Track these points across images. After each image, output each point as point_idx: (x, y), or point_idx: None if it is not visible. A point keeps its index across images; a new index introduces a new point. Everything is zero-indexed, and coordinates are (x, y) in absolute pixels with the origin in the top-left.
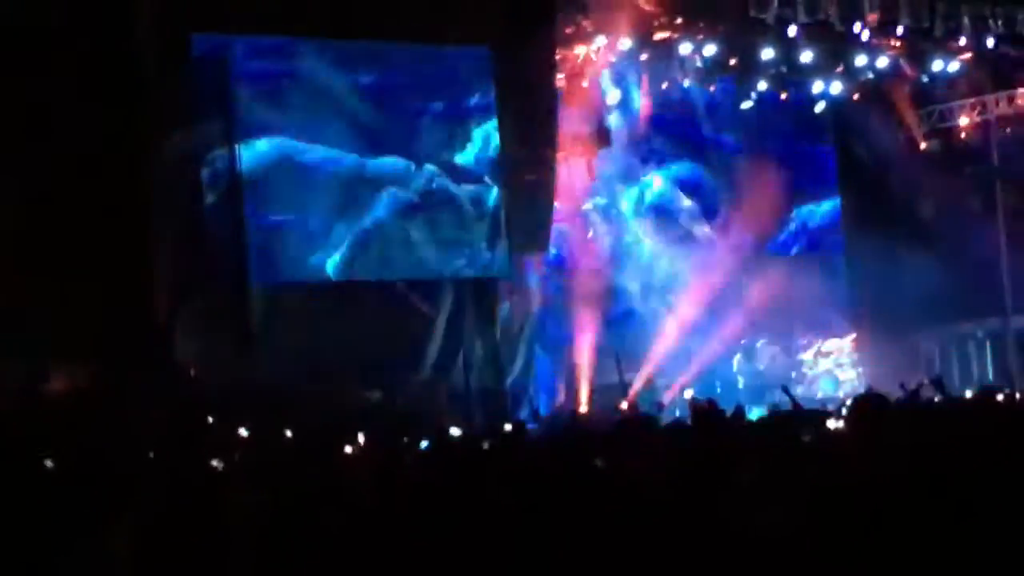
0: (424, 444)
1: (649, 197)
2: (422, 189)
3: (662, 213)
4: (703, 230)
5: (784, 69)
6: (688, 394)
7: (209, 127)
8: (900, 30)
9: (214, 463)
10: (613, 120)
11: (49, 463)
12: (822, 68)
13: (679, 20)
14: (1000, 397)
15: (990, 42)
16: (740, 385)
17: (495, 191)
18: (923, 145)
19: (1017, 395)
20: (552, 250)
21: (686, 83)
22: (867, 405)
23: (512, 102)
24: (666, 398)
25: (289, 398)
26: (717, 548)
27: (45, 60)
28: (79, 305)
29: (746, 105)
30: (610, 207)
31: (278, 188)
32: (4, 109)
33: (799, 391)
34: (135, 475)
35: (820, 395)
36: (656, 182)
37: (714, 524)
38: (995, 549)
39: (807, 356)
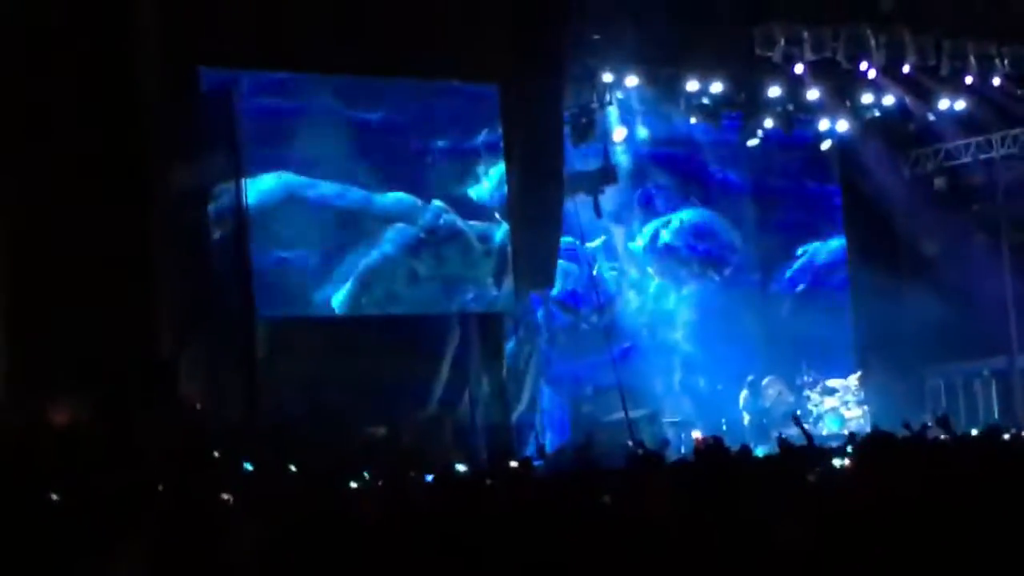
0: (429, 479)
1: (664, 237)
2: (429, 225)
3: (674, 254)
4: (712, 275)
5: (790, 107)
6: (695, 434)
7: (215, 161)
8: (906, 68)
9: (220, 496)
10: (620, 157)
11: (54, 496)
12: (828, 106)
13: (685, 58)
14: (1007, 436)
15: (996, 81)
16: (745, 422)
17: (503, 227)
18: (929, 184)
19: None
20: (558, 286)
21: (692, 120)
22: (875, 444)
23: (519, 138)
24: (671, 435)
25: (294, 433)
26: None
27: (51, 95)
28: (84, 338)
29: (752, 143)
30: (616, 244)
31: (284, 223)
32: (9, 139)
33: (806, 428)
34: (140, 507)
35: (825, 432)
36: (671, 224)
37: (722, 560)
38: None
39: (813, 394)
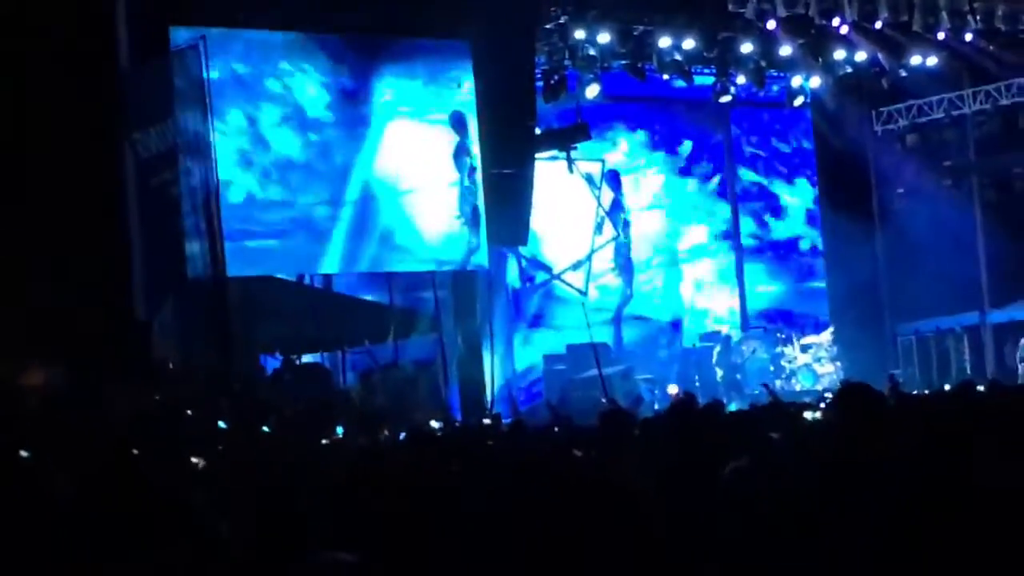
0: (402, 436)
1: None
2: (400, 181)
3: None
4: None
5: (763, 63)
6: (671, 389)
7: (185, 121)
8: (878, 24)
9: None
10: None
11: (25, 454)
12: (800, 62)
13: (658, 14)
14: (981, 388)
15: (968, 37)
16: (719, 378)
17: (476, 184)
18: (901, 140)
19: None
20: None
21: (664, 76)
22: (851, 395)
23: (491, 95)
24: (645, 391)
25: (268, 391)
26: (699, 541)
27: (19, 53)
28: (54, 303)
29: (725, 99)
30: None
31: (255, 182)
32: None
33: (779, 384)
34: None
35: (799, 388)
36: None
37: (697, 517)
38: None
39: (786, 350)
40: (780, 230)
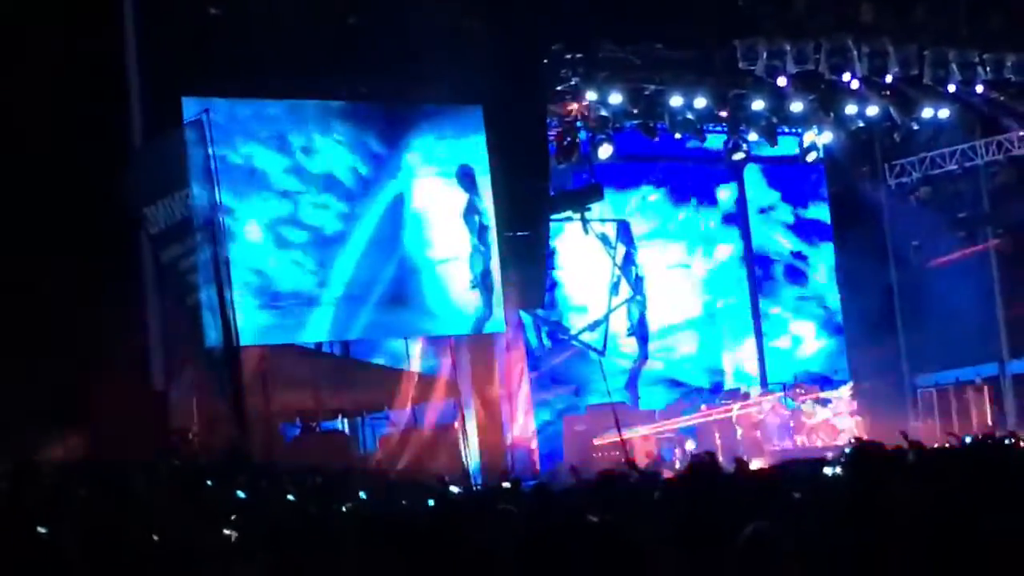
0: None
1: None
2: (415, 246)
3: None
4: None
5: (775, 119)
6: (690, 446)
7: (199, 190)
8: (889, 79)
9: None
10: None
11: (44, 530)
12: (812, 118)
13: (668, 73)
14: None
15: (979, 88)
16: (738, 436)
17: (488, 245)
18: (915, 193)
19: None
20: (548, 307)
21: (677, 136)
22: (864, 455)
23: (504, 158)
24: (664, 449)
25: (287, 460)
26: None
27: (38, 128)
28: (73, 375)
29: (738, 156)
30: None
31: (269, 250)
32: None
33: (799, 441)
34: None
35: (819, 444)
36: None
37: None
38: None
39: (806, 406)
40: (800, 285)
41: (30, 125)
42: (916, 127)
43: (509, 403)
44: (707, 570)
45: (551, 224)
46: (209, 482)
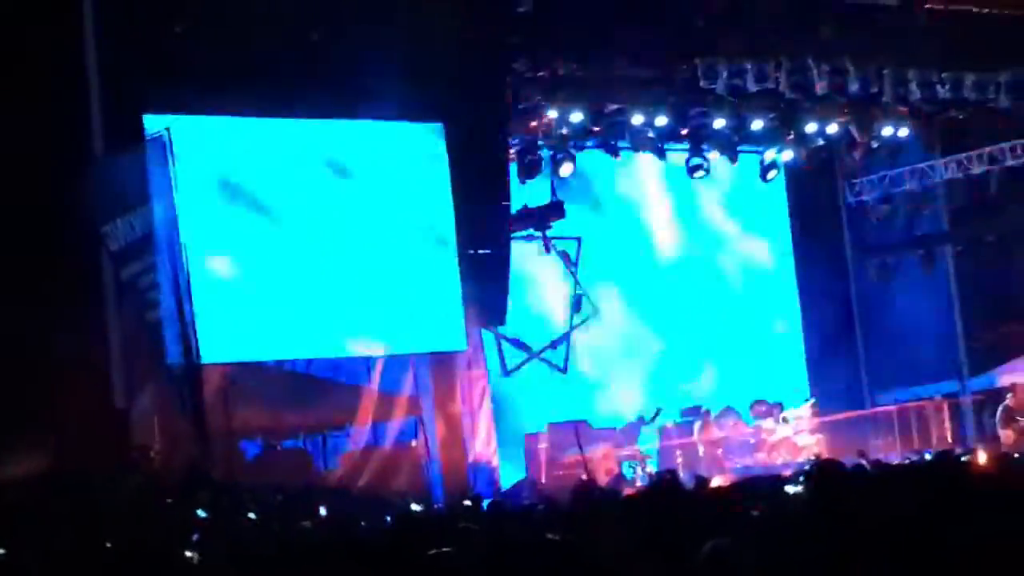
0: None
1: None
2: (376, 263)
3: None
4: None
5: (735, 138)
6: (649, 469)
7: (160, 207)
8: (849, 97)
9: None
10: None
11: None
12: (773, 136)
13: (629, 92)
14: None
15: (937, 107)
16: (700, 453)
17: (452, 265)
18: (874, 210)
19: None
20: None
21: (638, 153)
22: (824, 473)
23: (465, 176)
24: (625, 468)
25: (249, 477)
26: None
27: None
28: (37, 388)
29: (699, 174)
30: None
31: (229, 267)
32: None
33: (760, 457)
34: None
35: (780, 462)
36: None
37: None
38: None
39: (766, 423)
40: (755, 304)
41: None
42: (876, 145)
43: (471, 420)
44: None
45: (512, 242)
46: (169, 500)
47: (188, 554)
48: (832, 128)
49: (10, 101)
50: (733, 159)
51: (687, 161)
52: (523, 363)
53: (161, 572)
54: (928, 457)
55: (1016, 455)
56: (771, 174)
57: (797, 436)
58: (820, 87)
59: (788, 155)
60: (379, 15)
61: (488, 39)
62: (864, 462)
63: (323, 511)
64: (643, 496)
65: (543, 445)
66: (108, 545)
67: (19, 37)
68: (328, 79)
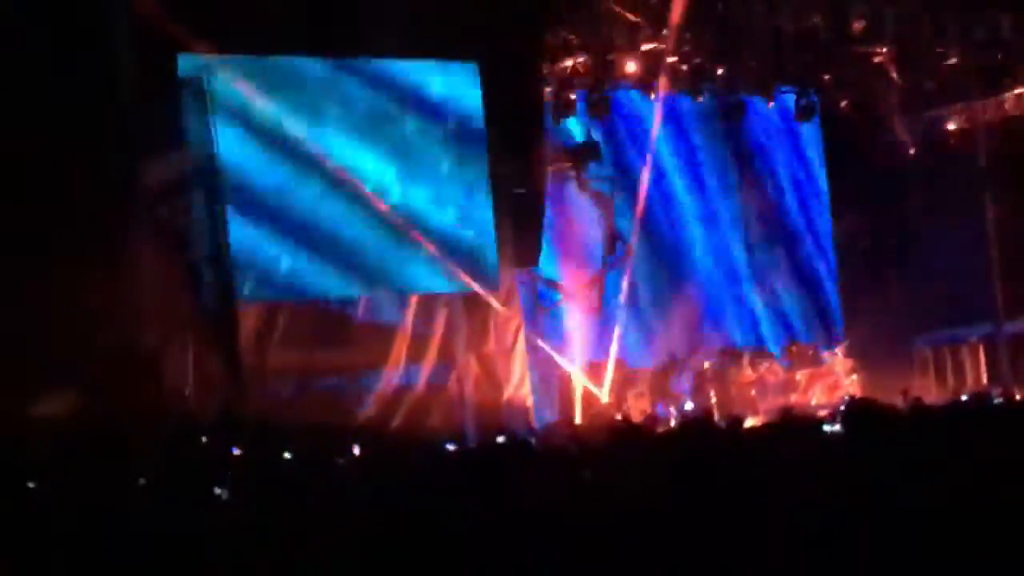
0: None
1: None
2: (410, 204)
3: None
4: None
5: (772, 78)
6: (689, 405)
7: (192, 149)
8: (888, 35)
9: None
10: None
11: (33, 486)
12: (811, 76)
13: (664, 31)
14: (997, 400)
15: (976, 48)
16: (733, 394)
17: (485, 206)
18: (912, 151)
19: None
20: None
21: (674, 93)
22: (861, 412)
23: (500, 117)
24: (660, 408)
25: (281, 418)
26: (709, 559)
27: (28, 86)
28: (65, 335)
29: (735, 115)
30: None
31: (263, 206)
32: None
33: (793, 399)
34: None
35: (814, 403)
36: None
37: (706, 534)
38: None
39: (800, 365)
40: (797, 248)
41: (17, 84)
42: (915, 85)
43: (504, 361)
44: (700, 526)
45: (547, 182)
46: (204, 439)
47: (217, 491)
48: (870, 68)
49: (41, 44)
50: (769, 100)
51: (723, 101)
52: (557, 303)
53: (195, 510)
54: (964, 399)
55: None
56: (808, 114)
57: (831, 377)
58: (857, 27)
59: (825, 95)
60: None
61: None
62: (905, 400)
63: (356, 450)
64: (676, 435)
65: (578, 386)
66: (141, 481)
67: None
68: (364, 17)
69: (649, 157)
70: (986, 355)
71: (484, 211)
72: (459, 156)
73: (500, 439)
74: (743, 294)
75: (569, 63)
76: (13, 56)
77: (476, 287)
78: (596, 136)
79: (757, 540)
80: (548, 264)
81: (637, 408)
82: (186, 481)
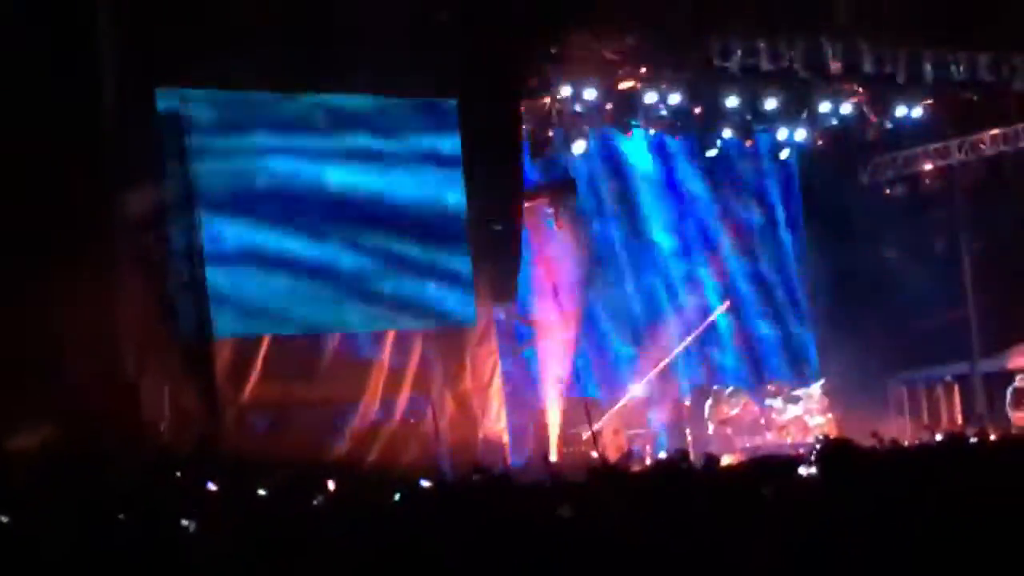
0: (396, 496)
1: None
2: (387, 238)
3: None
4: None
5: (748, 117)
6: (658, 447)
7: (170, 183)
8: (863, 77)
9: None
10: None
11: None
12: (786, 115)
13: (643, 69)
14: (972, 440)
15: (952, 88)
16: (710, 431)
17: (462, 242)
18: (888, 190)
19: (988, 435)
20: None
21: (651, 132)
22: (835, 450)
23: (477, 152)
24: (636, 447)
25: (257, 452)
26: None
27: (8, 121)
28: (43, 361)
29: (711, 153)
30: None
31: (240, 239)
32: None
33: (769, 437)
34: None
35: (790, 441)
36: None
37: (683, 571)
38: None
39: (776, 403)
40: (770, 283)
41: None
42: (890, 126)
43: (481, 397)
44: (675, 564)
45: (524, 218)
46: (178, 474)
47: (184, 523)
48: (846, 108)
49: (21, 75)
50: (746, 139)
51: (700, 140)
52: (533, 339)
53: (168, 545)
54: (939, 439)
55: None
56: (784, 153)
57: (807, 416)
58: (834, 67)
59: (801, 135)
60: None
61: (502, 14)
62: (880, 442)
63: (331, 486)
64: (653, 474)
65: (553, 422)
66: (118, 517)
67: (30, 9)
68: (342, 54)
69: (625, 193)
70: (961, 394)
71: (461, 247)
72: (436, 191)
73: (475, 476)
74: (719, 332)
75: (547, 100)
76: None
77: (452, 323)
78: (573, 173)
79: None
80: (524, 300)
81: (613, 446)
82: (158, 515)
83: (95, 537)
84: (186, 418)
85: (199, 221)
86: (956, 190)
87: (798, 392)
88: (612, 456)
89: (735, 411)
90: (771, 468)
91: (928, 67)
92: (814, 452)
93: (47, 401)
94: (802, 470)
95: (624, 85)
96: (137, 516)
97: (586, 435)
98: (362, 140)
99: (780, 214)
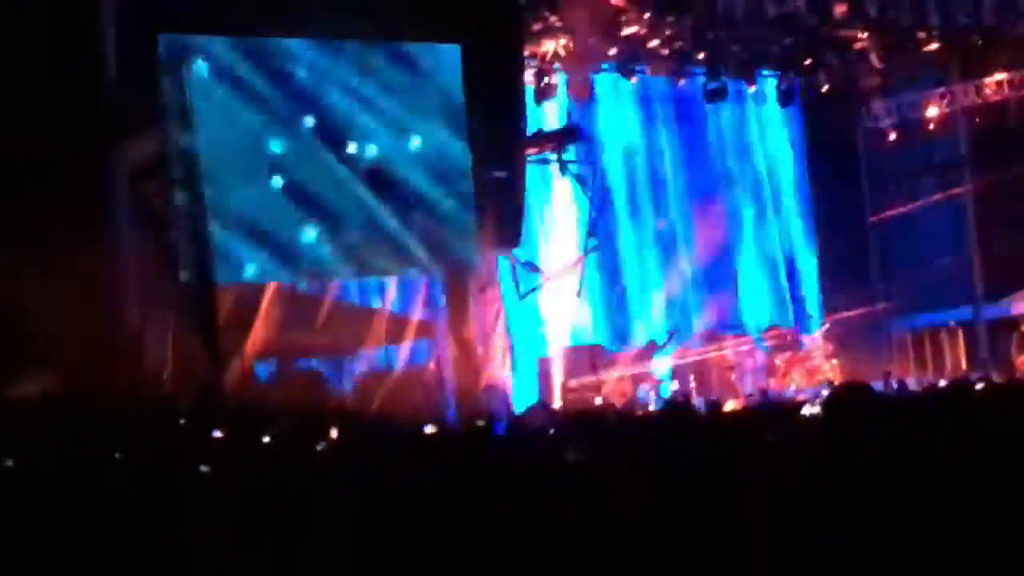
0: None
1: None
2: (393, 186)
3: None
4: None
5: (753, 62)
6: (674, 386)
7: (172, 129)
8: (868, 21)
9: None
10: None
11: (10, 463)
12: (791, 60)
13: (647, 15)
14: (978, 385)
15: (957, 32)
16: (713, 378)
17: (466, 188)
18: (892, 135)
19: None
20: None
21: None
22: (845, 395)
23: (481, 99)
24: (641, 391)
25: (260, 400)
26: (686, 543)
27: (9, 63)
28: (44, 315)
29: (716, 99)
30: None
31: (242, 188)
32: None
33: (772, 383)
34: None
35: (794, 387)
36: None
37: (684, 517)
38: (969, 536)
39: (779, 349)
40: (774, 230)
41: None
42: (894, 70)
43: (485, 343)
44: (678, 511)
45: (528, 165)
46: (182, 421)
47: (188, 469)
48: (850, 53)
49: (21, 22)
50: (750, 84)
51: (704, 85)
52: (537, 286)
53: (172, 491)
54: (943, 384)
55: None
56: (789, 98)
57: (810, 362)
58: (839, 11)
59: (806, 80)
60: None
61: None
62: (892, 383)
63: (334, 433)
64: (656, 420)
65: (557, 368)
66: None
67: None
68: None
69: (631, 140)
70: (965, 339)
71: (464, 193)
72: (439, 137)
73: (480, 422)
74: (724, 278)
75: (551, 46)
76: None
77: (457, 269)
78: (577, 119)
79: (737, 522)
80: (528, 247)
81: (617, 391)
82: (164, 463)
83: (96, 482)
84: (189, 367)
85: (202, 169)
86: (961, 135)
87: (801, 337)
88: (616, 402)
89: (738, 357)
90: (774, 413)
91: (933, 9)
92: (818, 396)
93: (49, 350)
94: (805, 410)
95: (628, 31)
96: (138, 462)
97: (590, 381)
98: (364, 87)
99: (784, 158)
